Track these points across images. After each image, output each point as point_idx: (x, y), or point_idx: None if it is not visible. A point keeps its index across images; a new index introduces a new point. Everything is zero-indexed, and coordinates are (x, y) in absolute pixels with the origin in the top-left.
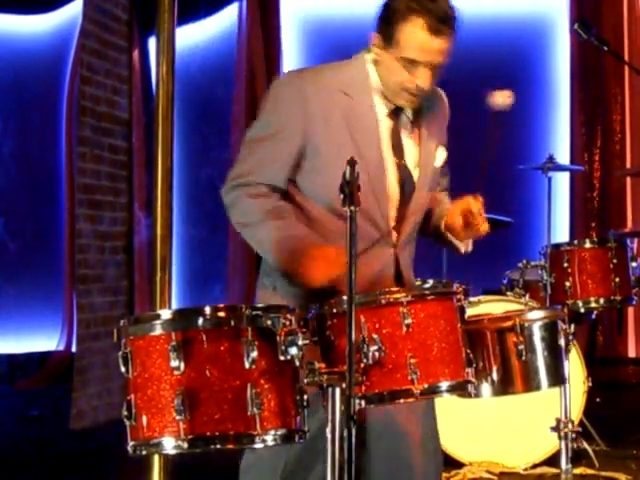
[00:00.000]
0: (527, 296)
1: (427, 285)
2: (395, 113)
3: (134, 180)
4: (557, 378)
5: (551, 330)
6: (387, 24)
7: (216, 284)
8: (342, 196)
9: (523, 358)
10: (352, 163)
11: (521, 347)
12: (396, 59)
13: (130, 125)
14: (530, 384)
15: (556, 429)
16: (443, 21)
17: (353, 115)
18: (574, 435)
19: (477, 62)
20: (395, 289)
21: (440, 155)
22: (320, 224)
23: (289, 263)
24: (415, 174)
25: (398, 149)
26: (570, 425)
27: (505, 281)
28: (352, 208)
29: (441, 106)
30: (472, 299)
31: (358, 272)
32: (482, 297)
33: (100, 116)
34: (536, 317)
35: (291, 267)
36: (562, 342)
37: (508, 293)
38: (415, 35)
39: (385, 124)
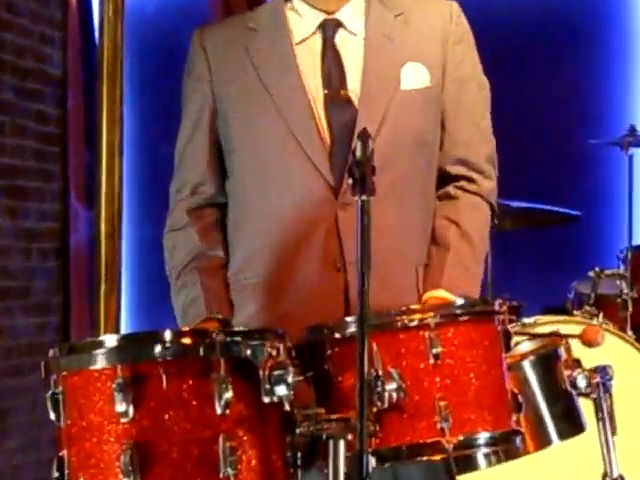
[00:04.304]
0: (600, 316)
1: (460, 302)
2: (327, 27)
3: (69, 160)
4: (571, 427)
5: (548, 364)
6: None
7: None
8: (351, 181)
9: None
10: (365, 136)
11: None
12: None
13: (64, 85)
14: (539, 441)
15: None
16: None
17: (263, 54)
18: None
19: (543, 16)
20: (418, 307)
21: (414, 74)
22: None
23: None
24: (359, 103)
25: (333, 76)
26: None
27: (571, 295)
28: (364, 198)
29: (434, 12)
30: (526, 320)
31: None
32: (540, 317)
33: (24, 73)
34: (525, 351)
35: None
36: (566, 377)
37: (575, 312)
38: None
39: (309, 48)
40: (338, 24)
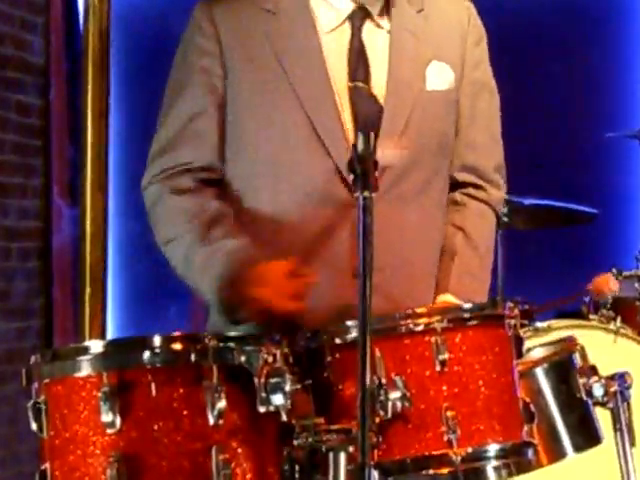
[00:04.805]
0: (618, 320)
1: (468, 306)
2: (353, 20)
3: (52, 154)
4: (587, 438)
5: (562, 371)
6: None
7: (171, 303)
8: (352, 177)
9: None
10: (366, 130)
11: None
12: None
13: (47, 75)
14: (553, 453)
15: None
16: None
17: (280, 37)
18: None
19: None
20: (423, 310)
21: (439, 74)
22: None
23: (221, 292)
24: (385, 102)
25: (360, 69)
26: None
27: (587, 299)
28: (366, 194)
29: (454, 12)
30: (540, 324)
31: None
32: (554, 322)
33: (4, 61)
34: (537, 357)
35: (226, 299)
36: (582, 385)
37: (591, 316)
38: None
39: (337, 39)
40: (366, 15)
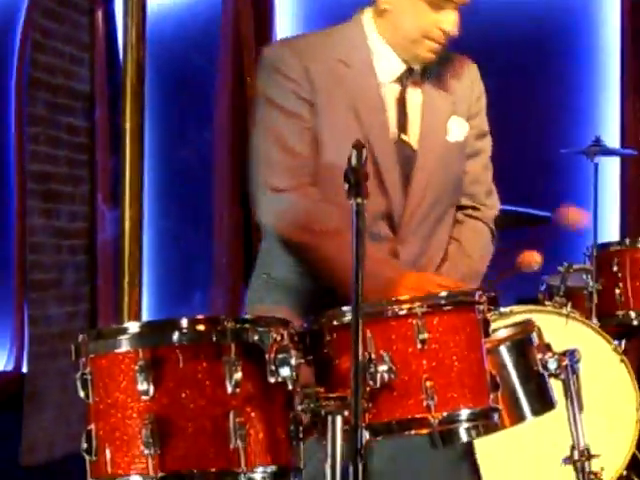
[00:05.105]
0: (569, 306)
1: (444, 293)
2: (402, 77)
3: (97, 166)
4: (543, 404)
5: (522, 348)
6: None
7: (196, 291)
8: (347, 186)
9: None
10: (359, 147)
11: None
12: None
13: (92, 100)
14: (514, 417)
15: (570, 460)
16: None
17: (355, 89)
18: (589, 465)
19: (515, 31)
20: (406, 297)
21: (457, 127)
22: None
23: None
24: (418, 151)
25: (402, 122)
26: (585, 453)
27: (543, 288)
28: (359, 201)
29: (466, 75)
30: (503, 310)
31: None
32: (515, 307)
33: (56, 90)
34: (502, 336)
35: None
36: (538, 360)
37: (547, 302)
38: None
39: (391, 92)
40: (410, 74)
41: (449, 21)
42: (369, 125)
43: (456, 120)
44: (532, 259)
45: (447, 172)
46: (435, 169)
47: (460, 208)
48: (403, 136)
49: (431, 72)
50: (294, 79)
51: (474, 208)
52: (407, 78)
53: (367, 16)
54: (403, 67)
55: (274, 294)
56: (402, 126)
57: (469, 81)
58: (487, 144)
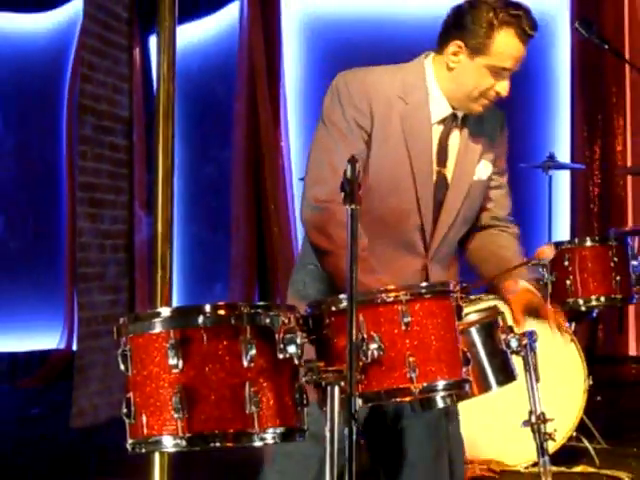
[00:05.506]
0: None
1: (424, 284)
2: (447, 120)
3: (135, 178)
4: (506, 376)
5: (489, 330)
6: (474, 33)
7: (217, 282)
8: (343, 195)
9: (470, 363)
10: (353, 161)
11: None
12: (485, 67)
13: (131, 123)
14: (482, 387)
15: (528, 423)
16: (531, 29)
17: (409, 123)
18: (544, 427)
19: None
20: (393, 287)
21: (483, 169)
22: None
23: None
24: (450, 183)
25: (442, 157)
26: (541, 417)
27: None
28: (353, 207)
29: (496, 122)
30: (472, 297)
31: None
32: (483, 295)
33: (101, 114)
34: (472, 320)
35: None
36: (502, 339)
37: None
38: (510, 44)
39: (436, 131)
40: (454, 119)
41: (503, 86)
42: (415, 157)
43: (484, 163)
44: (549, 251)
45: (470, 203)
46: (461, 200)
47: (490, 227)
48: (443, 170)
49: (469, 119)
50: (358, 109)
51: (504, 227)
52: (452, 121)
53: (428, 61)
54: (449, 111)
55: (318, 283)
56: (442, 162)
57: (498, 128)
58: (506, 178)
